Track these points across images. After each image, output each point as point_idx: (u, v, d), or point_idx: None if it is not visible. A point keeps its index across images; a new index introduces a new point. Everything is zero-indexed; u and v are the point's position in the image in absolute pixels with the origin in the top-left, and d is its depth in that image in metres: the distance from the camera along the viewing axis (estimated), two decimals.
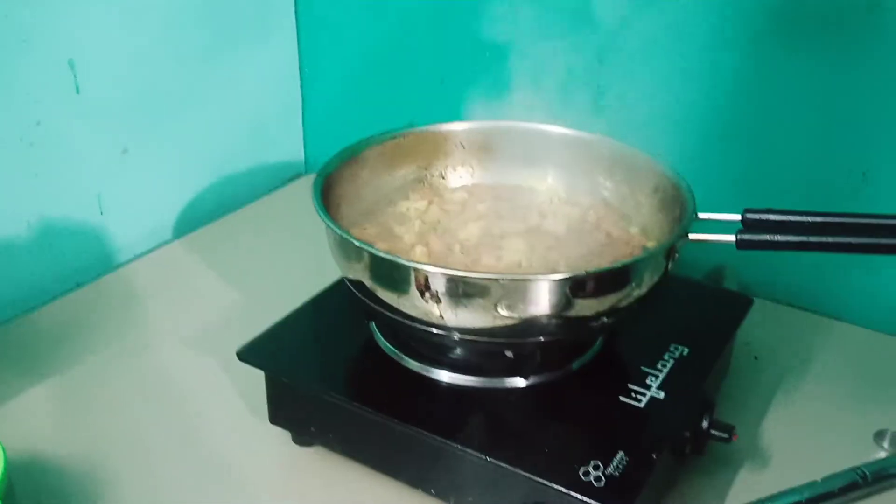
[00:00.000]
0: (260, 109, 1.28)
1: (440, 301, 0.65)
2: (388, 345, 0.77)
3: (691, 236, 0.70)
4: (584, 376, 0.75)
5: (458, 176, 0.91)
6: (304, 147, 1.37)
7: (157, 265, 1.10)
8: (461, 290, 0.64)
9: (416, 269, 0.65)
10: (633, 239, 0.80)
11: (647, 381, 0.74)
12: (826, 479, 0.75)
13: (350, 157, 0.83)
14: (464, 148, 0.90)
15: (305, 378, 0.74)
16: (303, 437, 0.78)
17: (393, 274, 0.67)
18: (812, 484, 0.74)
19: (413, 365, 0.75)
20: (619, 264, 0.66)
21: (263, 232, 1.18)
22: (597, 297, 0.67)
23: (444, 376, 0.74)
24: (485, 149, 0.90)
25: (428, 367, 0.74)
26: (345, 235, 0.68)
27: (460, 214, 0.84)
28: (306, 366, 0.76)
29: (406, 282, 0.66)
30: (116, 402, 0.84)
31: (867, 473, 0.75)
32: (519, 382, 0.73)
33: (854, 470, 0.75)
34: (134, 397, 0.85)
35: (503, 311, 0.65)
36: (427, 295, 0.65)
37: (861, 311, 0.98)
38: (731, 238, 0.68)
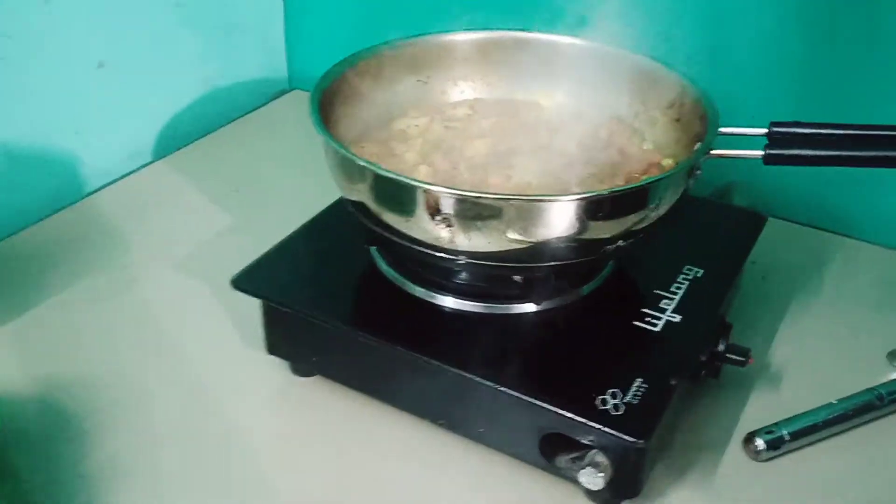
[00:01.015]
0: (239, 20, 1.21)
1: (451, 224, 0.61)
2: (391, 270, 0.73)
3: (715, 152, 0.66)
4: (596, 301, 0.72)
5: (460, 91, 0.86)
6: (288, 61, 1.31)
7: (137, 188, 1.04)
8: (473, 212, 0.61)
9: (425, 191, 0.61)
10: (648, 155, 0.76)
11: (662, 305, 0.71)
12: (842, 401, 0.73)
13: (344, 70, 0.78)
14: (465, 60, 0.85)
15: (305, 306, 0.71)
16: (302, 367, 0.75)
17: (400, 195, 0.63)
18: (828, 406, 0.72)
19: (417, 291, 0.71)
20: (638, 184, 0.62)
21: (251, 151, 1.12)
22: (614, 218, 0.63)
23: (450, 302, 0.70)
24: (488, 61, 0.85)
25: (433, 293, 0.71)
26: (347, 154, 0.64)
27: (464, 131, 0.80)
28: (305, 293, 0.72)
29: (413, 204, 0.62)
30: (102, 335, 0.80)
31: (884, 394, 0.74)
32: (529, 308, 0.70)
33: (870, 390, 0.74)
34: (120, 330, 0.81)
35: (516, 235, 0.61)
36: (438, 218, 0.61)
37: (872, 226, 0.96)
38: (759, 153, 0.65)
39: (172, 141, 1.13)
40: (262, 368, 0.76)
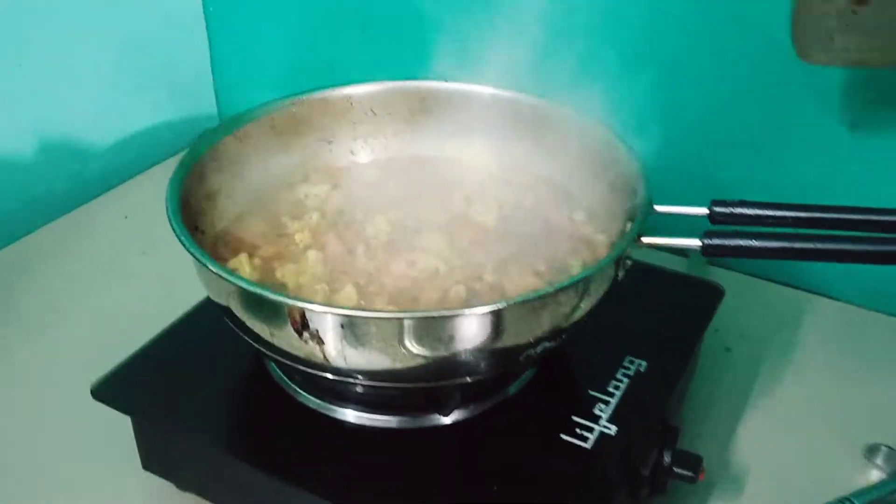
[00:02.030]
0: (163, 57, 1.10)
1: (322, 342, 0.50)
2: (280, 373, 0.62)
3: (645, 240, 0.55)
4: (519, 407, 0.62)
5: (370, 150, 0.75)
6: (217, 98, 1.20)
7: (34, 246, 0.93)
8: (348, 330, 0.50)
9: (288, 306, 0.50)
10: (577, 229, 0.66)
11: (596, 411, 0.60)
12: None
13: (227, 134, 0.67)
14: (374, 114, 0.74)
15: (175, 421, 0.60)
16: (184, 483, 0.64)
17: (263, 307, 0.52)
18: None
19: (310, 402, 0.60)
20: (551, 288, 0.51)
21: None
22: (528, 325, 0.53)
23: (350, 416, 0.59)
24: (400, 115, 0.75)
25: (328, 405, 0.60)
26: (199, 258, 0.53)
27: (369, 200, 0.69)
28: (177, 403, 0.61)
29: (279, 318, 0.51)
30: None
31: None
32: (438, 420, 0.59)
33: (841, 502, 0.63)
34: None
35: (403, 352, 0.50)
36: (306, 335, 0.50)
37: (848, 284, 0.85)
38: (695, 243, 0.54)
39: (82, 191, 1.02)
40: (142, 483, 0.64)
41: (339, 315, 0.49)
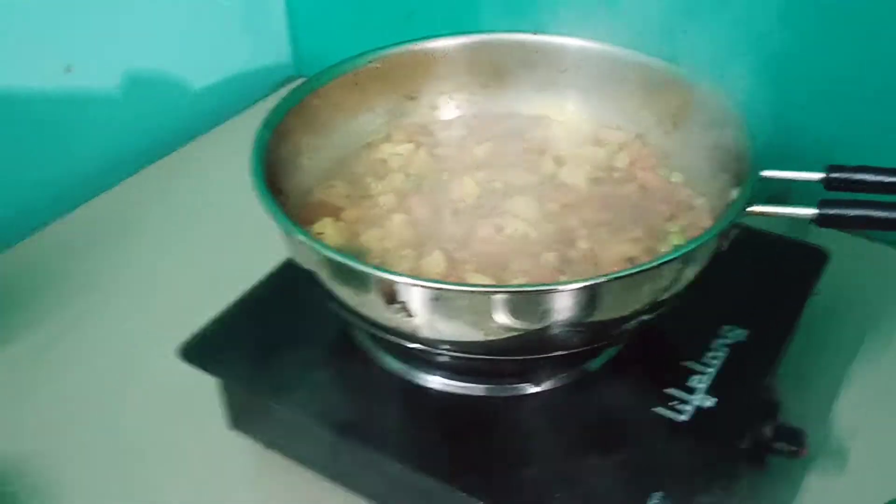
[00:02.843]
0: (240, 5, 1.08)
1: (412, 315, 0.49)
2: (365, 339, 0.61)
3: (753, 209, 0.51)
4: (610, 377, 0.59)
5: (455, 106, 0.72)
6: (292, 46, 1.17)
7: (118, 203, 0.93)
8: (438, 303, 0.48)
9: (376, 277, 0.48)
10: (675, 191, 0.62)
11: (691, 384, 0.58)
12: None
13: (310, 92, 0.65)
14: (459, 69, 0.71)
15: (262, 388, 0.59)
16: (271, 443, 0.64)
17: (348, 276, 0.50)
18: None
19: (395, 367, 0.59)
20: (651, 263, 0.48)
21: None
22: (624, 300, 0.50)
23: (436, 383, 0.58)
24: (489, 69, 0.71)
25: (415, 371, 0.59)
26: (287, 228, 0.51)
27: (454, 161, 0.66)
28: (263, 370, 0.60)
29: (366, 288, 0.49)
30: (43, 401, 0.70)
31: None
32: (528, 389, 0.57)
33: None
34: (63, 396, 0.70)
35: (495, 326, 0.48)
36: (395, 306, 0.49)
37: None
38: (810, 212, 0.50)
39: (161, 146, 1.01)
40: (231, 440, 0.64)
41: (428, 288, 0.47)
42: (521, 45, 0.70)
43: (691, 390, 0.57)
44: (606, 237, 0.58)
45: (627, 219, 0.60)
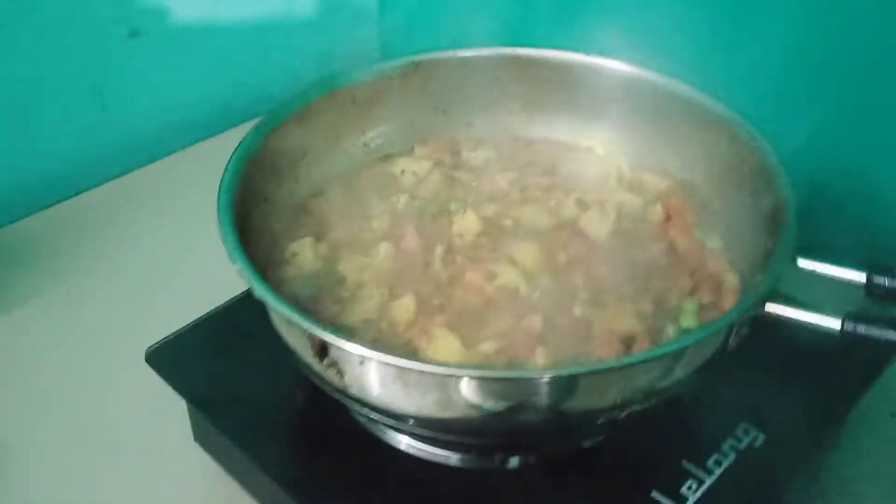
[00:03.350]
0: None
1: (342, 374, 0.43)
2: None
3: (770, 308, 0.42)
4: (596, 462, 0.52)
5: (488, 124, 0.65)
6: (381, 29, 1.12)
7: (173, 172, 0.90)
8: (365, 367, 0.42)
9: (302, 327, 0.42)
10: (707, 260, 0.53)
11: (683, 491, 0.49)
12: None
13: (325, 91, 0.60)
14: (501, 84, 0.64)
15: (220, 417, 0.55)
16: (226, 464, 0.60)
17: (286, 323, 0.45)
18: None
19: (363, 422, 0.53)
20: (616, 362, 0.41)
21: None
22: (594, 394, 0.42)
23: (403, 444, 0.52)
24: (532, 88, 0.64)
25: (381, 428, 0.52)
26: (231, 253, 0.46)
27: (469, 188, 0.60)
28: (224, 395, 0.55)
29: (302, 336, 0.44)
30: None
31: None
32: (508, 462, 0.51)
33: None
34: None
35: (429, 401, 0.42)
36: (325, 360, 0.43)
37: None
38: (834, 324, 0.41)
39: (227, 119, 0.98)
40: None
41: (353, 352, 0.41)
42: (569, 66, 0.62)
43: (682, 500, 0.49)
44: (609, 305, 0.50)
45: (641, 285, 0.51)
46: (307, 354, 0.44)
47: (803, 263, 0.45)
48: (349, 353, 0.40)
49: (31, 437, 0.62)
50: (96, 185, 0.89)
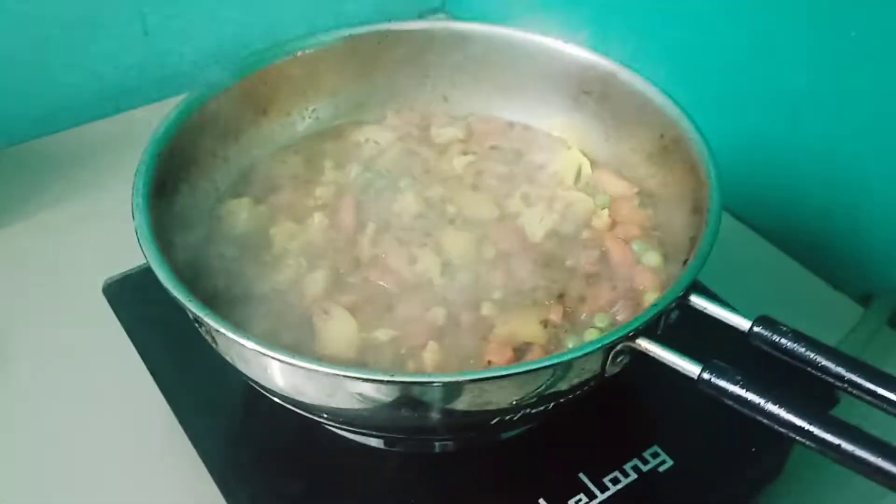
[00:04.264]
0: None
1: (217, 345, 0.44)
2: None
3: (641, 342, 0.41)
4: (504, 454, 0.51)
5: (467, 102, 0.63)
6: None
7: None
8: (226, 344, 0.42)
9: (184, 305, 0.43)
10: (635, 276, 0.51)
11: (571, 503, 0.48)
12: None
13: (300, 49, 0.60)
14: (483, 63, 0.62)
15: (160, 367, 0.56)
16: None
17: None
18: None
19: None
20: (474, 374, 0.40)
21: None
22: (471, 400, 0.42)
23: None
24: (512, 70, 0.62)
25: None
26: (139, 234, 0.46)
27: (426, 166, 0.59)
28: (167, 343, 0.57)
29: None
30: None
31: None
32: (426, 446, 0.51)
33: None
34: None
35: (307, 395, 0.43)
36: (202, 329, 0.44)
37: None
38: (693, 370, 0.39)
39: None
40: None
41: (211, 325, 0.41)
42: (548, 52, 0.59)
43: None
44: (519, 308, 0.49)
45: (557, 293, 0.50)
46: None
47: (695, 301, 0.42)
48: (208, 322, 0.41)
49: None
50: (136, 107, 0.93)
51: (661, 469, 0.50)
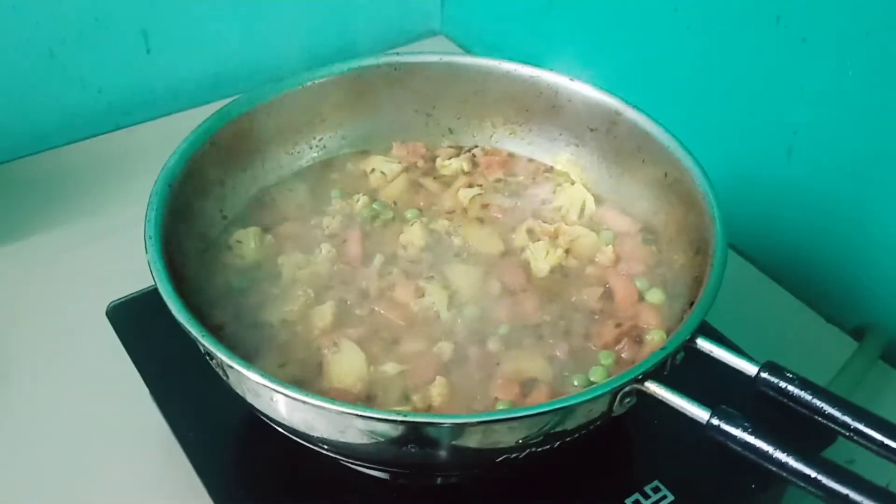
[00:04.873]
0: None
1: (227, 376, 0.44)
2: None
3: (650, 386, 0.41)
4: (504, 489, 0.51)
5: (472, 134, 0.64)
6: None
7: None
8: (237, 378, 0.43)
9: (186, 328, 0.43)
10: (640, 313, 0.52)
11: None
12: None
13: (307, 81, 0.60)
14: (491, 95, 0.63)
15: (159, 391, 0.57)
16: None
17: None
18: None
19: None
20: (479, 417, 0.40)
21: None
22: (478, 438, 0.42)
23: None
24: (519, 104, 0.63)
25: None
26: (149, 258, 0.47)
27: (431, 200, 0.60)
28: (170, 370, 0.57)
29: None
30: None
31: None
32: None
33: None
34: None
35: (303, 423, 0.43)
36: (214, 363, 0.44)
37: None
38: (702, 416, 0.40)
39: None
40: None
41: (224, 360, 0.42)
42: (555, 89, 0.60)
43: None
44: (524, 345, 0.50)
45: (563, 329, 0.51)
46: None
47: (702, 344, 0.43)
48: (218, 356, 0.41)
49: None
50: (137, 123, 0.93)
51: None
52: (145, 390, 0.59)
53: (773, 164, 0.71)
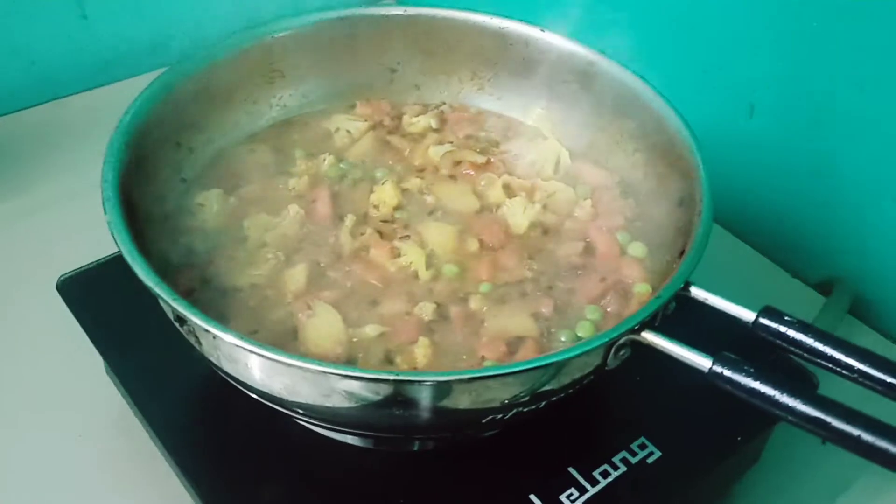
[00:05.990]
0: None
1: (199, 343, 0.41)
2: None
3: (647, 336, 0.40)
4: (491, 452, 0.50)
5: (440, 90, 0.62)
6: None
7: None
8: (209, 339, 0.40)
9: (150, 288, 0.40)
10: (623, 267, 0.51)
11: (563, 498, 0.48)
12: None
13: (272, 34, 0.57)
14: (459, 49, 0.61)
15: (117, 360, 0.54)
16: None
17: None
18: None
19: None
20: (465, 374, 0.39)
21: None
22: (462, 399, 0.40)
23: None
24: (487, 57, 0.60)
25: None
26: (107, 211, 0.44)
27: (400, 156, 0.57)
28: (127, 340, 0.54)
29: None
30: None
31: None
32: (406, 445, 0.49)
33: None
34: None
35: (284, 387, 0.41)
36: (184, 327, 0.42)
37: None
38: (704, 363, 0.38)
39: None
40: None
41: (199, 325, 0.39)
42: (525, 41, 0.58)
43: None
44: (507, 302, 0.48)
45: (546, 285, 0.49)
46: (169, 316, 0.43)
47: (696, 292, 0.42)
48: (192, 319, 0.39)
49: None
50: (73, 93, 0.88)
51: (649, 460, 0.50)
52: (100, 365, 0.56)
53: (735, 118, 0.71)
